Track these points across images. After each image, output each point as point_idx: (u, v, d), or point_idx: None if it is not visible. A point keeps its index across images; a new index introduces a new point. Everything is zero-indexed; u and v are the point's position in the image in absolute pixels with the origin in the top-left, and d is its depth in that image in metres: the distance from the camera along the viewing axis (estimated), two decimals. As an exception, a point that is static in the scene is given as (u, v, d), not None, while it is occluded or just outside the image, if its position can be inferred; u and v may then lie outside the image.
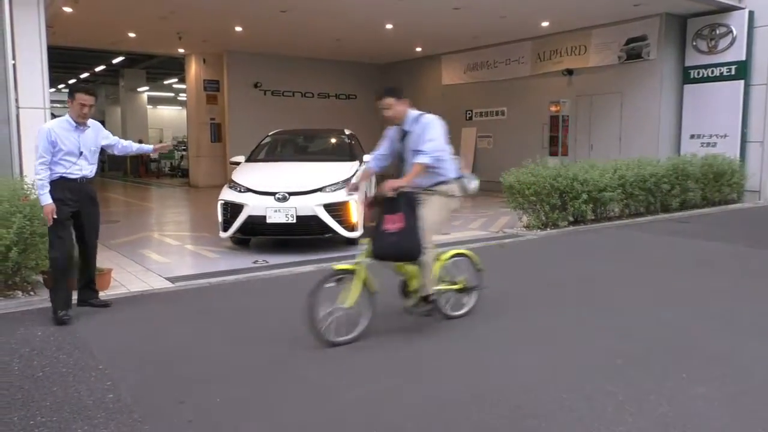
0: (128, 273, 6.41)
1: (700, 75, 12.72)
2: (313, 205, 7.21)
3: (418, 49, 17.16)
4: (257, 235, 7.76)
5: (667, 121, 12.98)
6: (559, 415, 3.03)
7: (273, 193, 7.27)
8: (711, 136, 12.60)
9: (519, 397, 3.25)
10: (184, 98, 24.87)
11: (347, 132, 9.54)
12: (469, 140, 16.88)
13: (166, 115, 35.27)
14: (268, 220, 7.19)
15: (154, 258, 7.34)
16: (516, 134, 15.69)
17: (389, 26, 13.79)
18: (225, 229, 7.52)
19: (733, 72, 12.23)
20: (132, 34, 14.68)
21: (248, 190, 7.42)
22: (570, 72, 14.34)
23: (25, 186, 5.64)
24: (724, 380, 3.46)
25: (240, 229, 7.39)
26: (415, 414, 3.08)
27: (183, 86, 23.52)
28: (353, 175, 7.65)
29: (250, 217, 7.25)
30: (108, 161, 27.40)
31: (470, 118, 17.14)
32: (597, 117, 14.04)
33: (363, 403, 3.23)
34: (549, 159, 11.26)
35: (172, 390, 3.43)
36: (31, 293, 5.43)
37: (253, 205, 7.23)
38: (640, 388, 3.33)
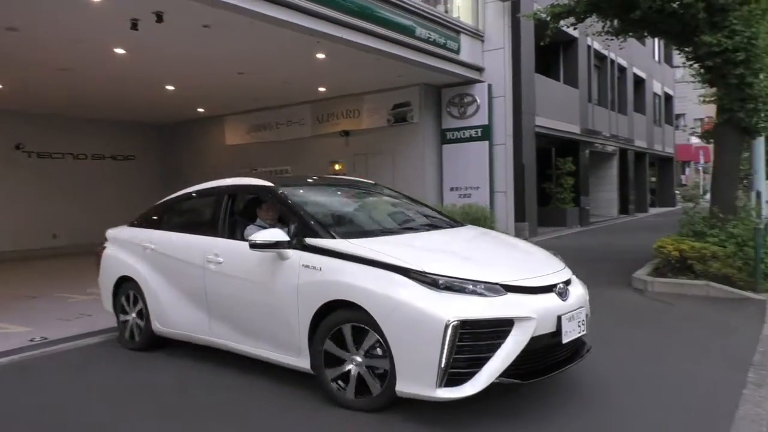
0: None
1: (455, 136, 14.81)
2: (586, 302, 4.46)
3: (201, 110, 17.31)
4: (534, 378, 3.87)
5: (430, 176, 14.81)
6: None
7: (552, 287, 4.07)
8: (466, 188, 14.65)
9: None
10: None
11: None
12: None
13: None
14: (565, 339, 4.00)
15: None
16: (301, 191, 16.47)
17: (170, 88, 13.81)
18: (457, 380, 3.63)
19: (479, 134, 14.47)
20: None
21: (505, 287, 3.85)
22: (347, 133, 15.65)
23: None
24: None
25: (509, 371, 3.68)
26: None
27: None
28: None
29: (534, 340, 3.79)
30: None
31: (256, 177, 17.56)
32: (372, 174, 15.37)
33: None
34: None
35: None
36: None
37: (541, 316, 3.84)
38: None
